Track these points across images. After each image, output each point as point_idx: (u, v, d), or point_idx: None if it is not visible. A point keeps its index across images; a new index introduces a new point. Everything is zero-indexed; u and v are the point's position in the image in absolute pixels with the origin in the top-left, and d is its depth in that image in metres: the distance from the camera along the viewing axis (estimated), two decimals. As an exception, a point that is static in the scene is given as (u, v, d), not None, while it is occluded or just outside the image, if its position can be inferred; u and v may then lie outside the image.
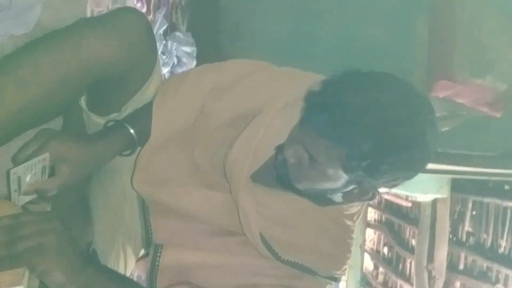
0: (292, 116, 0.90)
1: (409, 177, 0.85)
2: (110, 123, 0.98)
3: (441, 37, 1.90)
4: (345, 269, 1.00)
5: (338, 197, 0.95)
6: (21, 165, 0.80)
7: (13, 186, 0.81)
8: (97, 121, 1.01)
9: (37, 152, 0.82)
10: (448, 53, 1.92)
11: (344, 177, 0.85)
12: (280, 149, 0.91)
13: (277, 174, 0.92)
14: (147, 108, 1.00)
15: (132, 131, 0.96)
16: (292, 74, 1.06)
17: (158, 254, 0.97)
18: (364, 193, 0.91)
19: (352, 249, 1.02)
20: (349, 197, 0.93)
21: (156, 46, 1.02)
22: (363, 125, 0.79)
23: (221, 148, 0.97)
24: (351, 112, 0.79)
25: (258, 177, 0.96)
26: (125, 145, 0.96)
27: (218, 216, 0.97)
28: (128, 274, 1.14)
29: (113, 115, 1.00)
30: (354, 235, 1.02)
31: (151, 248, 0.99)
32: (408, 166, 0.84)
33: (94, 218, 1.08)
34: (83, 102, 1.01)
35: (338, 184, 0.87)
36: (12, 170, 0.80)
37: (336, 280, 0.99)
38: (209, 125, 1.01)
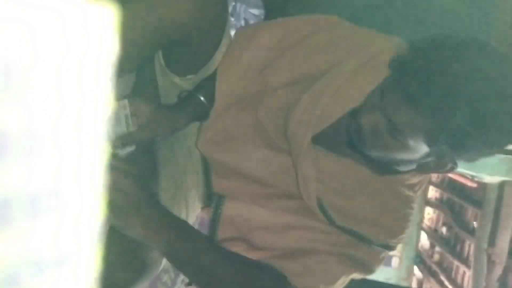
0: (369, 80, 0.86)
1: (491, 154, 0.80)
2: (183, 94, 1.02)
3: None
4: (401, 238, 0.97)
5: (405, 166, 0.91)
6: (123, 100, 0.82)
7: (123, 122, 0.82)
8: (173, 80, 1.04)
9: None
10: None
11: (424, 150, 0.80)
12: (354, 114, 0.87)
13: (348, 139, 0.89)
14: (214, 76, 1.03)
15: (203, 99, 0.99)
16: (365, 35, 1.00)
17: (221, 205, 0.99)
18: (441, 165, 0.86)
19: (410, 218, 0.98)
20: (424, 168, 0.88)
21: (228, 6, 1.02)
22: (459, 95, 0.73)
23: (282, 109, 0.96)
24: (447, 81, 0.73)
25: (320, 139, 0.93)
26: (199, 112, 1.01)
27: (277, 178, 0.97)
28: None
29: (189, 77, 1.04)
30: (414, 205, 0.97)
31: (214, 200, 1.00)
32: (497, 144, 0.79)
33: (160, 174, 1.13)
34: (161, 58, 1.04)
35: (417, 155, 0.83)
36: (120, 102, 0.82)
37: (391, 248, 0.97)
38: (269, 83, 0.99)
